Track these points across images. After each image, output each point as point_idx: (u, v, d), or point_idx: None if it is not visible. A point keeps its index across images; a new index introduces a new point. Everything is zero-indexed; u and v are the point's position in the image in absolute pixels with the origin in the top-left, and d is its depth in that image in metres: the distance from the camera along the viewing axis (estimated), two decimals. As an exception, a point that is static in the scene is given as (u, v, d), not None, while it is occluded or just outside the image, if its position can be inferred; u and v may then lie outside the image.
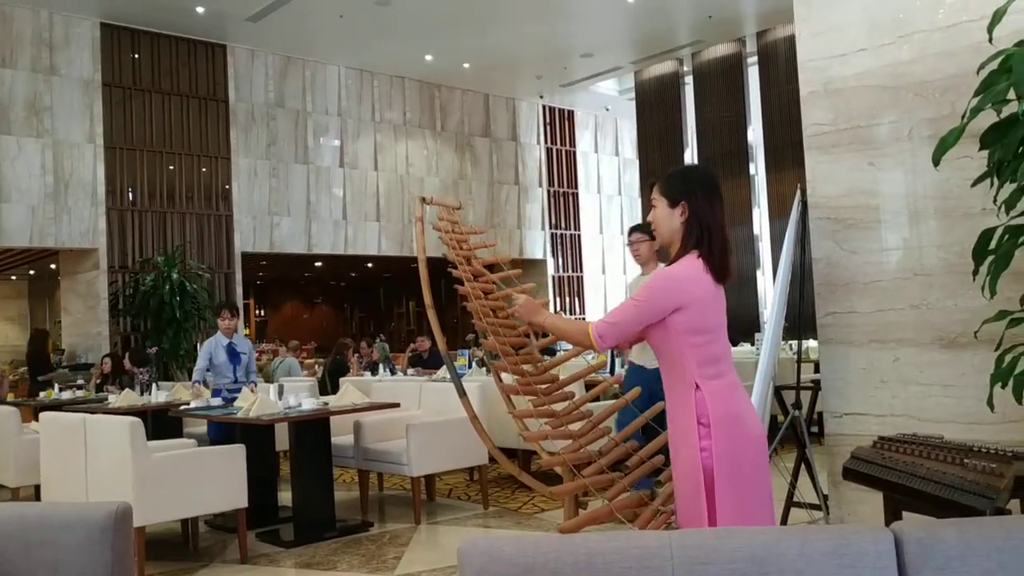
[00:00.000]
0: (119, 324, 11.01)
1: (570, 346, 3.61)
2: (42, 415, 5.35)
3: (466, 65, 13.60)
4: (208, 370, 6.31)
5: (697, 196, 2.37)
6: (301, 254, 13.10)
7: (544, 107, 16.21)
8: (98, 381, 9.02)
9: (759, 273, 13.02)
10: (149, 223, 11.37)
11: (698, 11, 11.97)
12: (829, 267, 3.78)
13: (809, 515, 4.30)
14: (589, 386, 4.58)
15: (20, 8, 10.43)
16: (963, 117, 2.52)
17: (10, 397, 9.07)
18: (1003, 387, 2.56)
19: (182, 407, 6.09)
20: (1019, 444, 2.85)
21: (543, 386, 3.55)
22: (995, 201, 2.70)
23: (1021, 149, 2.47)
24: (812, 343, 7.19)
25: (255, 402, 5.17)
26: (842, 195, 3.74)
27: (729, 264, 2.37)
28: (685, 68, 14.22)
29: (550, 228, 16.18)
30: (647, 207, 2.50)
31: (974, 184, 2.80)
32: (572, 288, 16.44)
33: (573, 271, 16.50)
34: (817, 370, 5.09)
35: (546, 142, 16.28)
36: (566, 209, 16.55)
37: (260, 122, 12.44)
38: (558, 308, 15.88)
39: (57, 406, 7.19)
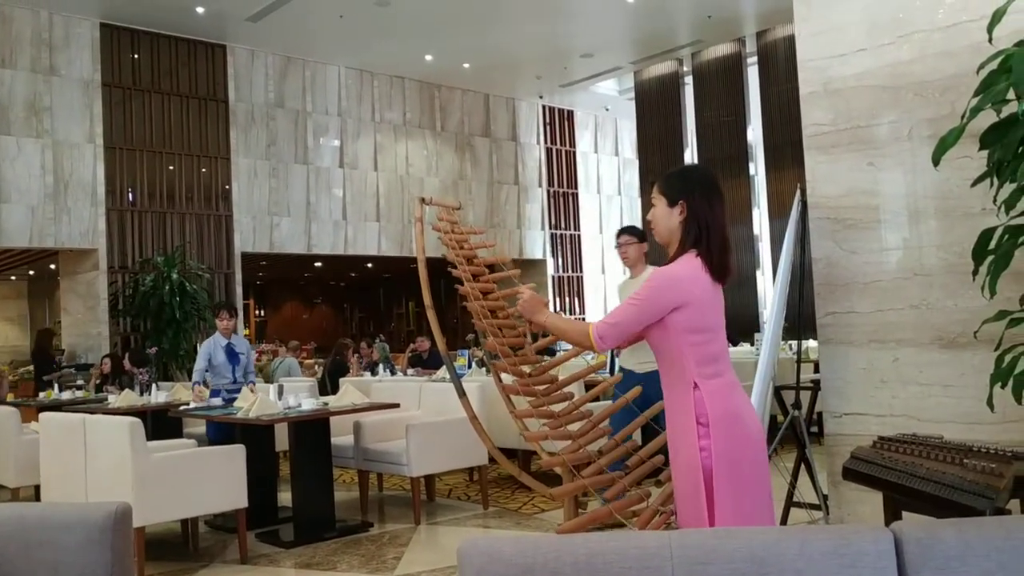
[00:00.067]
0: (119, 324, 11.01)
1: (569, 347, 3.62)
2: (41, 415, 5.35)
3: (466, 65, 13.60)
4: (207, 371, 6.31)
5: (695, 195, 2.37)
6: (301, 254, 13.10)
7: (544, 107, 16.21)
8: (98, 381, 9.02)
9: (759, 273, 13.02)
10: (149, 223, 11.36)
11: (698, 11, 11.97)
12: (829, 267, 3.78)
13: (809, 515, 4.30)
14: (589, 386, 4.58)
15: (20, 8, 10.42)
16: (963, 117, 2.52)
17: (10, 397, 9.06)
18: (1003, 387, 2.56)
19: (182, 407, 6.09)
20: (1019, 444, 2.85)
21: (542, 387, 3.55)
22: (995, 201, 2.70)
23: (1021, 149, 2.47)
24: (812, 343, 7.19)
25: (255, 402, 5.17)
26: (842, 195, 3.74)
27: (729, 264, 2.37)
28: (685, 68, 14.22)
29: (550, 228, 16.18)
30: (647, 207, 2.50)
31: (974, 184, 2.80)
32: (572, 288, 16.44)
33: (573, 271, 16.50)
34: (817, 370, 5.09)
35: (546, 142, 16.28)
36: (566, 209, 16.55)
37: (260, 122, 12.44)
38: (558, 308, 15.88)
39: (57, 406, 7.20)
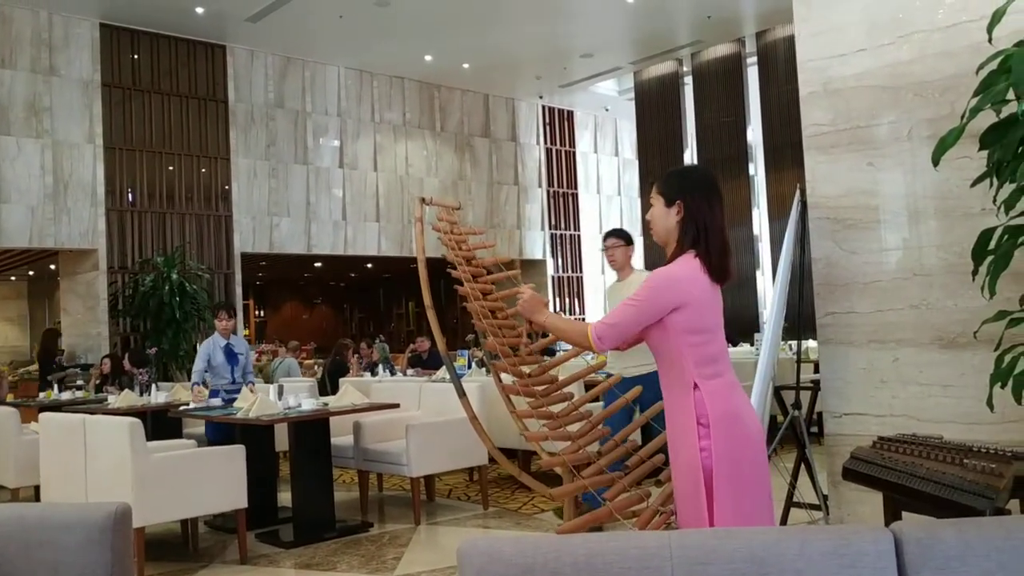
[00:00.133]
0: (119, 325, 11.00)
1: (569, 347, 3.62)
2: (41, 416, 5.35)
3: (466, 65, 13.60)
4: (206, 371, 6.32)
5: (693, 196, 2.37)
6: (301, 255, 13.10)
7: (544, 107, 16.21)
8: (97, 382, 9.02)
9: (759, 273, 13.02)
10: (149, 224, 11.36)
11: (697, 11, 11.97)
12: (829, 267, 3.78)
13: (809, 515, 4.30)
14: (588, 387, 4.58)
15: (19, 8, 10.42)
16: (962, 117, 2.52)
17: (10, 398, 9.06)
18: (1003, 387, 2.56)
19: (181, 408, 6.09)
20: (1018, 444, 2.85)
21: (542, 387, 3.55)
22: (994, 201, 2.70)
23: (1020, 149, 2.47)
24: (812, 343, 7.19)
25: (255, 402, 5.17)
26: (841, 195, 3.74)
27: (728, 265, 2.36)
28: (684, 68, 14.22)
29: (550, 228, 16.18)
30: (647, 207, 2.50)
31: (973, 184, 2.80)
32: (572, 288, 16.44)
33: (573, 271, 16.50)
34: (817, 370, 5.09)
35: (546, 142, 16.28)
36: (566, 209, 16.55)
37: (260, 122, 12.43)
38: (558, 308, 15.88)
39: (57, 407, 7.20)
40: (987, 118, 2.59)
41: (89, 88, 10.90)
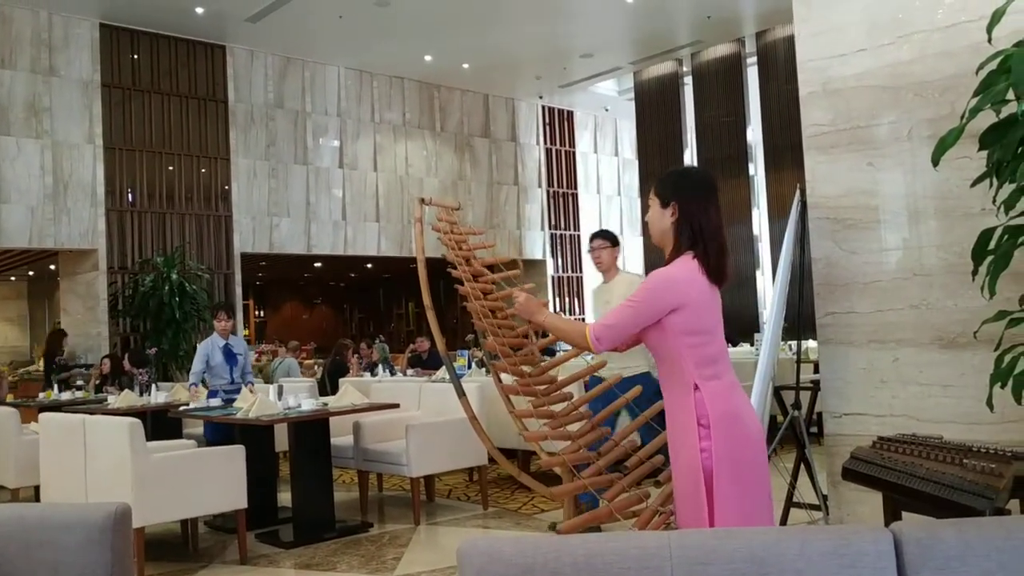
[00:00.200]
0: (118, 325, 11.00)
1: (569, 347, 3.62)
2: (41, 416, 5.35)
3: (465, 65, 13.60)
4: (204, 372, 6.34)
5: (688, 197, 2.37)
6: (300, 255, 13.10)
7: (543, 107, 16.21)
8: (97, 382, 9.02)
9: (758, 273, 13.02)
10: (148, 224, 11.36)
11: (697, 11, 11.97)
12: (828, 267, 3.78)
13: (809, 515, 4.30)
14: (587, 386, 4.58)
15: (19, 9, 10.42)
16: (962, 117, 2.52)
17: (10, 398, 9.06)
18: (1002, 387, 2.56)
19: (181, 408, 6.10)
20: (1018, 444, 2.85)
21: (542, 387, 3.55)
22: (994, 201, 2.70)
23: (1020, 149, 2.47)
24: (812, 343, 7.19)
25: (255, 403, 5.17)
26: (841, 195, 3.74)
27: (725, 266, 2.36)
28: (684, 68, 14.22)
29: (549, 229, 16.18)
30: (647, 208, 2.51)
31: (973, 184, 2.80)
32: (572, 289, 16.45)
33: (572, 272, 16.50)
34: (816, 370, 5.09)
35: (545, 142, 16.28)
36: (565, 210, 16.55)
37: (259, 123, 12.43)
38: (557, 308, 15.88)
39: (56, 407, 7.20)
40: (987, 118, 2.59)
41: (89, 88, 10.90)
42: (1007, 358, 2.56)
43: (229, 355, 6.36)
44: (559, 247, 16.34)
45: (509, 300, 3.43)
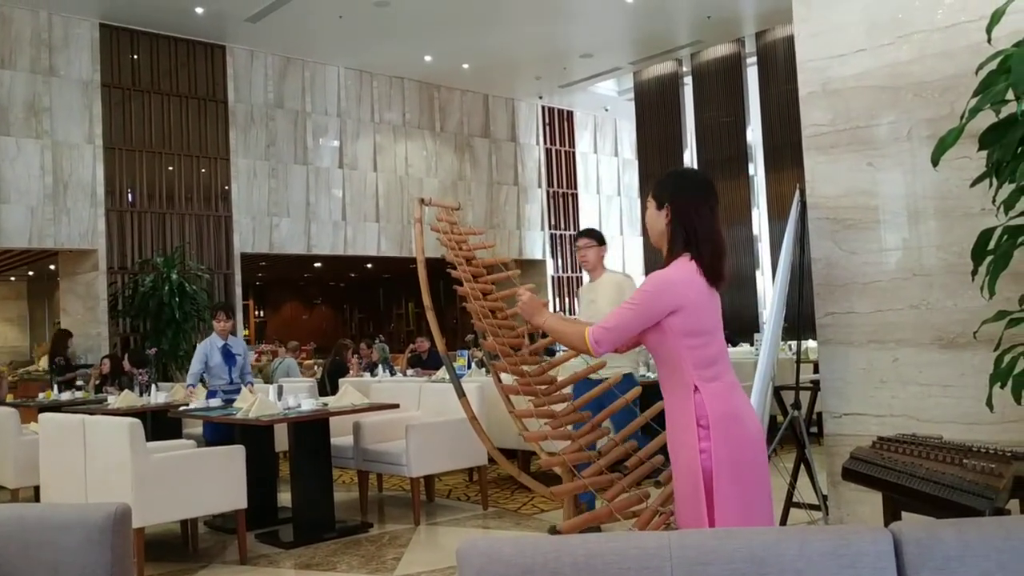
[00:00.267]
0: (118, 325, 11.00)
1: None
2: (41, 416, 5.35)
3: (465, 66, 13.60)
4: (203, 372, 6.34)
5: (681, 199, 2.37)
6: (300, 255, 13.10)
7: (543, 108, 16.21)
8: (97, 382, 9.02)
9: (758, 273, 13.02)
10: (148, 224, 11.36)
11: (697, 11, 11.97)
12: (828, 267, 3.78)
13: (808, 515, 4.29)
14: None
15: (19, 9, 10.42)
16: (962, 117, 2.52)
17: (10, 398, 9.06)
18: (1002, 387, 2.56)
19: (181, 408, 6.10)
20: (1018, 444, 2.85)
21: (542, 387, 3.55)
22: (994, 201, 2.70)
23: (1020, 149, 2.47)
24: (811, 343, 7.19)
25: (254, 403, 5.17)
26: (841, 195, 3.74)
27: (721, 269, 2.35)
28: (684, 69, 14.21)
29: (549, 229, 16.18)
30: (645, 209, 2.51)
31: (973, 184, 2.80)
32: (571, 289, 16.44)
33: (572, 272, 16.50)
34: (816, 370, 5.09)
35: (545, 143, 16.28)
36: (565, 210, 16.55)
37: (259, 123, 12.43)
38: (557, 309, 15.88)
39: (56, 407, 7.19)
40: (986, 118, 2.59)
41: (89, 88, 10.90)
42: (1007, 358, 2.56)
43: (228, 355, 6.36)
44: (559, 247, 16.34)
45: (509, 300, 3.44)
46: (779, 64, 12.35)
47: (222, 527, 5.49)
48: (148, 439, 4.65)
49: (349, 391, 5.73)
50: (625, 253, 17.20)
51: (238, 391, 5.96)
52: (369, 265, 17.42)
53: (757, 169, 13.27)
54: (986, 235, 2.60)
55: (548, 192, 16.24)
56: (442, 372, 8.00)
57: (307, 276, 20.60)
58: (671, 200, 2.38)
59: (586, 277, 5.39)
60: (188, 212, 11.68)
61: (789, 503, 4.34)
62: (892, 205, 3.61)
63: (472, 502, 6.12)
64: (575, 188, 16.75)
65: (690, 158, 13.93)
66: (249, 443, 5.07)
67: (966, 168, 3.22)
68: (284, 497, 5.81)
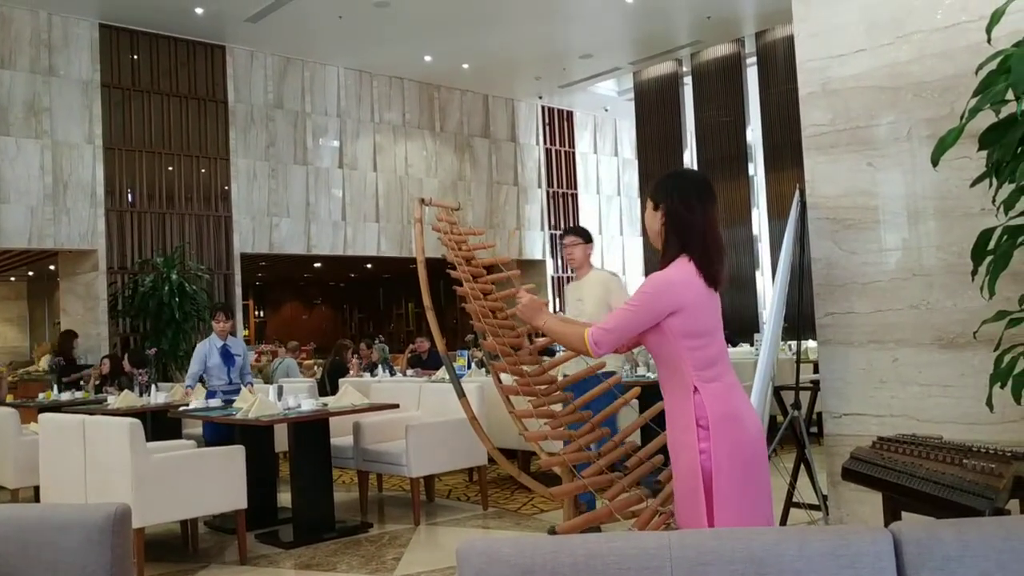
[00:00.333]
0: (118, 325, 11.00)
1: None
2: (41, 416, 5.35)
3: (465, 66, 13.59)
4: (202, 372, 6.34)
5: (676, 200, 2.37)
6: (300, 255, 13.09)
7: (543, 108, 16.21)
8: (97, 382, 9.02)
9: (758, 274, 13.01)
10: (148, 224, 11.36)
11: (697, 12, 11.97)
12: (828, 267, 3.78)
13: (808, 515, 4.30)
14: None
15: (19, 9, 10.42)
16: (962, 117, 2.52)
17: (10, 398, 9.06)
18: (1002, 387, 2.56)
19: (181, 408, 6.09)
20: (1018, 444, 2.85)
21: (542, 387, 3.55)
22: (994, 201, 2.70)
23: (1020, 149, 2.47)
24: (811, 343, 7.19)
25: (254, 403, 5.17)
26: (841, 195, 3.74)
27: (717, 270, 2.35)
28: (684, 69, 14.21)
29: (549, 229, 16.18)
30: (644, 209, 2.51)
31: (973, 184, 2.80)
32: (571, 289, 16.43)
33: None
34: (816, 370, 5.09)
35: (545, 143, 16.27)
36: (565, 210, 16.54)
37: (259, 123, 12.43)
38: (557, 309, 15.87)
39: (56, 407, 7.19)
40: (986, 118, 2.59)
41: (89, 88, 10.90)
42: (1007, 358, 2.56)
43: (227, 356, 6.37)
44: (559, 247, 16.32)
45: (510, 301, 3.43)
46: (779, 64, 12.35)
47: (222, 527, 5.49)
48: (148, 439, 4.65)
49: (349, 391, 5.73)
50: (625, 253, 17.20)
51: (237, 391, 5.96)
52: (369, 265, 17.42)
53: (757, 169, 13.27)
54: (986, 235, 2.60)
55: (548, 192, 16.24)
56: (442, 372, 8.00)
57: (307, 276, 20.60)
58: (666, 201, 2.38)
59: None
60: (188, 212, 11.68)
61: (789, 503, 4.35)
62: (892, 205, 3.61)
63: (472, 502, 6.12)
64: (575, 188, 16.75)
65: (690, 158, 13.92)
66: (249, 443, 5.07)
67: (966, 168, 3.23)
68: (284, 497, 5.81)
